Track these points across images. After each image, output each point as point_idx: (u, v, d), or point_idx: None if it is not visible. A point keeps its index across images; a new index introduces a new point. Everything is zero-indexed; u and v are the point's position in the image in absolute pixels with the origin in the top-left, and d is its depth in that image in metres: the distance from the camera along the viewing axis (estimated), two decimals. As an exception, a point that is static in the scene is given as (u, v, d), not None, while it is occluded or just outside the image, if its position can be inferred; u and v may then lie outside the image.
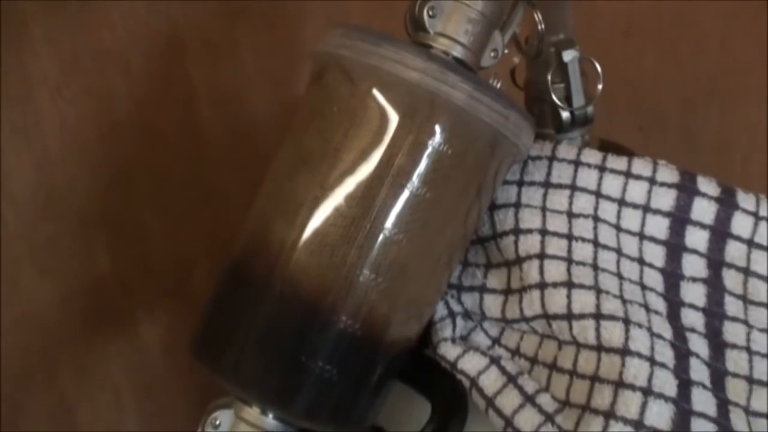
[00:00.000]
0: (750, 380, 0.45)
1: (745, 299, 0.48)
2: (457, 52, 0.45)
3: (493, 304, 0.49)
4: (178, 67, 0.77)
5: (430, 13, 0.45)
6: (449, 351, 0.47)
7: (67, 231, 0.72)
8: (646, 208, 0.49)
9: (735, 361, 0.46)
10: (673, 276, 0.48)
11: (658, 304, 0.47)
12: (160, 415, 0.80)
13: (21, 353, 0.70)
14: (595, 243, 0.47)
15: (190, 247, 0.79)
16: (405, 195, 0.42)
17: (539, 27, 0.50)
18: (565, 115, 0.54)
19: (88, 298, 0.74)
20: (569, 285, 0.45)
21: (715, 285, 0.48)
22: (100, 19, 0.71)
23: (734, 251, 0.48)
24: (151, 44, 0.74)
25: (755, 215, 0.48)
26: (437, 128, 0.42)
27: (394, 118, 0.42)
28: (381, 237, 0.42)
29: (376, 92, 0.42)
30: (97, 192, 0.73)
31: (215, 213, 0.80)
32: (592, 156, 0.50)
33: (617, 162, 0.50)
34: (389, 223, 0.42)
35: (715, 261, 0.48)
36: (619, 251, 0.48)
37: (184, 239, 0.79)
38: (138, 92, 0.74)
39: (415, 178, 0.42)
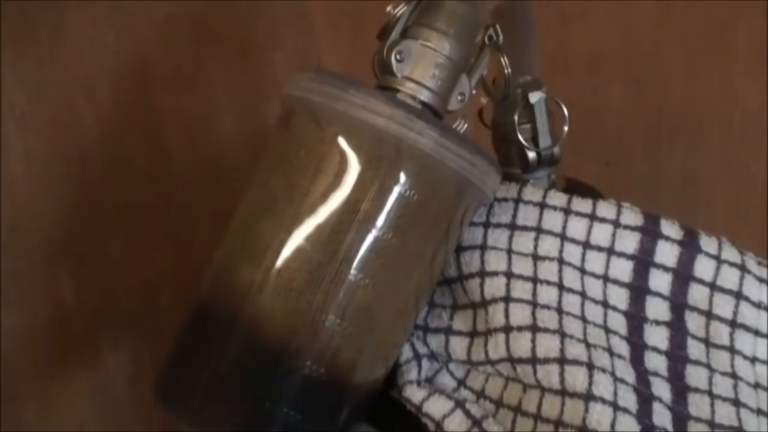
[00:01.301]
0: (712, 425, 0.45)
1: (707, 342, 0.48)
2: (424, 96, 0.45)
3: (458, 346, 0.49)
4: (146, 96, 0.77)
5: (398, 57, 0.45)
6: (414, 394, 0.47)
7: (31, 261, 0.71)
8: (611, 251, 0.49)
9: (697, 405, 0.46)
10: (636, 319, 0.48)
11: (622, 347, 0.47)
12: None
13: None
14: (560, 286, 0.48)
15: (156, 276, 0.79)
16: (371, 240, 0.42)
17: (506, 70, 0.50)
18: (531, 155, 0.55)
19: (52, 329, 0.73)
20: (534, 329, 0.46)
21: (677, 328, 0.48)
22: (68, 47, 0.70)
23: (697, 294, 0.49)
24: (119, 73, 0.74)
25: (717, 259, 0.49)
26: (403, 174, 0.42)
27: (360, 163, 0.42)
28: (347, 282, 0.42)
29: (342, 138, 0.42)
30: (62, 221, 0.72)
31: (182, 241, 0.80)
32: (557, 198, 0.50)
33: (582, 204, 0.50)
34: (355, 267, 0.42)
35: (678, 304, 0.49)
36: (583, 294, 0.48)
37: (150, 268, 0.78)
38: (105, 121, 0.74)
39: (381, 224, 0.42)
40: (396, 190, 0.42)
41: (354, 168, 0.42)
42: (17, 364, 0.71)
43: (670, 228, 0.49)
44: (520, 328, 0.46)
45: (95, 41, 0.72)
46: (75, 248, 0.73)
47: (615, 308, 0.48)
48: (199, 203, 0.80)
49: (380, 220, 0.42)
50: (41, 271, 0.71)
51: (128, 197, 0.76)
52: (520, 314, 0.46)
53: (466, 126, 0.49)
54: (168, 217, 0.79)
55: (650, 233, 0.49)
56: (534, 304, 0.47)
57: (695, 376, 0.47)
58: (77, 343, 0.75)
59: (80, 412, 0.76)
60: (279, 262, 0.42)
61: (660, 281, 0.49)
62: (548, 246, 0.49)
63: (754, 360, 0.48)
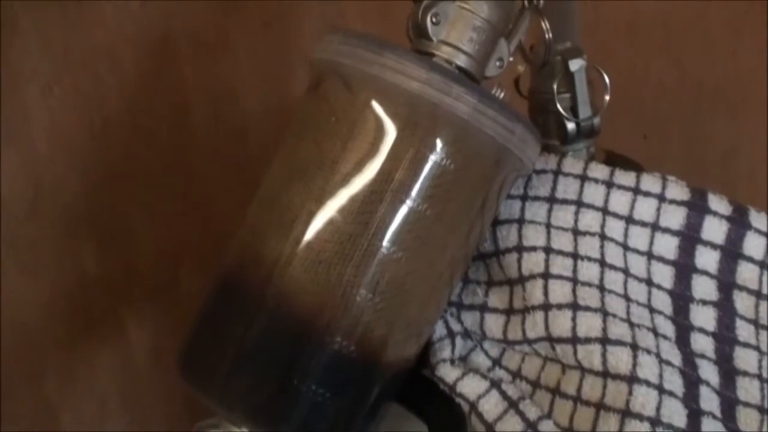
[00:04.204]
0: (762, 410, 0.43)
1: (757, 324, 0.46)
2: (461, 61, 0.43)
3: (494, 324, 0.47)
4: (170, 66, 0.75)
5: (434, 20, 0.43)
6: (448, 373, 0.46)
7: (52, 232, 0.70)
8: (655, 227, 0.47)
9: (746, 389, 0.44)
10: (682, 298, 0.46)
11: (667, 327, 0.45)
12: (147, 420, 0.78)
13: (2, 358, 0.68)
14: (602, 262, 0.45)
15: (179, 248, 0.77)
16: (404, 211, 0.40)
17: (547, 35, 0.48)
18: (570, 126, 0.52)
19: (73, 301, 0.72)
20: (574, 307, 0.44)
21: (725, 308, 0.46)
22: (92, 16, 0.69)
23: (746, 273, 0.46)
24: (143, 42, 0.72)
25: (768, 236, 0.47)
26: (439, 142, 0.40)
27: (394, 130, 0.40)
28: (379, 255, 0.40)
29: (375, 103, 0.40)
30: (84, 192, 0.71)
31: (205, 214, 0.78)
32: (599, 171, 0.48)
33: (625, 177, 0.48)
34: (388, 240, 0.40)
35: (726, 283, 0.46)
36: (626, 271, 0.46)
37: (172, 240, 0.77)
38: (129, 91, 0.72)
39: (416, 194, 0.40)
40: (431, 159, 0.40)
41: (387, 135, 0.40)
42: (37, 336, 0.70)
43: (718, 203, 0.47)
44: (560, 306, 0.44)
45: (119, 9, 0.70)
46: (97, 219, 0.72)
47: (659, 287, 0.46)
48: (222, 175, 0.79)
49: (415, 191, 0.40)
50: (62, 241, 0.70)
51: (151, 168, 0.74)
52: (559, 291, 0.44)
53: (503, 95, 0.47)
54: (191, 188, 0.77)
55: (697, 208, 0.47)
56: (574, 280, 0.45)
57: (744, 359, 0.45)
58: (98, 315, 0.74)
59: (101, 386, 0.75)
60: (308, 233, 0.40)
61: (707, 259, 0.46)
62: (589, 220, 0.47)
63: (805, 342, 0.46)
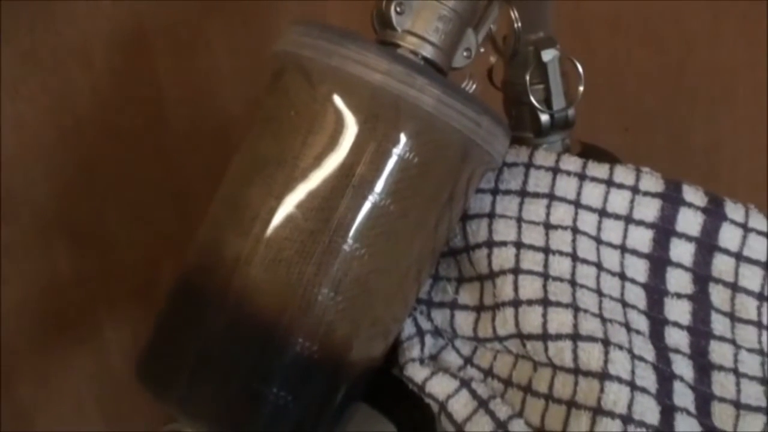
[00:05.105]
0: (737, 405, 0.42)
1: (732, 317, 0.45)
2: (427, 51, 0.42)
3: (464, 321, 0.46)
4: (144, 64, 0.74)
5: (398, 9, 0.42)
6: (417, 372, 0.44)
7: (24, 234, 0.68)
8: (629, 219, 0.46)
9: (722, 384, 0.43)
10: (656, 292, 0.45)
11: (640, 322, 0.44)
12: (124, 423, 0.77)
13: (-25, 363, 0.67)
14: (574, 257, 0.44)
15: (157, 249, 0.76)
16: (367, 207, 0.39)
17: (516, 25, 0.47)
18: (544, 118, 0.51)
19: (47, 304, 0.71)
20: (545, 303, 0.42)
21: (701, 301, 0.45)
22: (62, 13, 0.67)
23: (722, 265, 0.45)
24: (116, 40, 0.71)
25: (744, 227, 0.46)
26: (402, 135, 0.39)
27: (355, 123, 0.39)
28: (341, 252, 0.39)
29: (336, 96, 0.39)
30: (56, 193, 0.70)
31: (184, 212, 0.77)
32: (571, 163, 0.47)
33: (598, 169, 0.47)
34: (350, 237, 0.39)
35: (702, 275, 0.45)
36: (599, 265, 0.45)
37: (150, 241, 0.76)
38: (101, 89, 0.71)
39: (379, 189, 0.39)
40: (395, 153, 0.39)
41: (349, 129, 0.39)
42: (11, 341, 0.69)
43: (693, 194, 0.46)
44: (530, 302, 0.43)
45: (90, 6, 0.69)
46: (71, 220, 0.71)
47: (633, 280, 0.45)
48: (200, 174, 0.78)
49: (377, 186, 0.39)
50: (35, 244, 0.69)
51: (126, 168, 0.73)
52: (530, 287, 0.43)
53: (474, 86, 0.46)
54: (168, 188, 0.76)
55: (672, 200, 0.46)
56: (545, 276, 0.43)
57: (719, 352, 0.44)
58: (74, 317, 0.73)
59: (77, 389, 0.74)
60: (268, 231, 0.39)
61: (682, 251, 0.45)
62: (561, 214, 0.45)
63: (783, 335, 0.45)
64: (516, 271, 0.44)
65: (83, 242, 0.72)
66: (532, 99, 0.51)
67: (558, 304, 0.42)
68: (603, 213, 0.46)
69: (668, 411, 0.40)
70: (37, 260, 0.69)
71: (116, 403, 0.76)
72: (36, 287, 0.70)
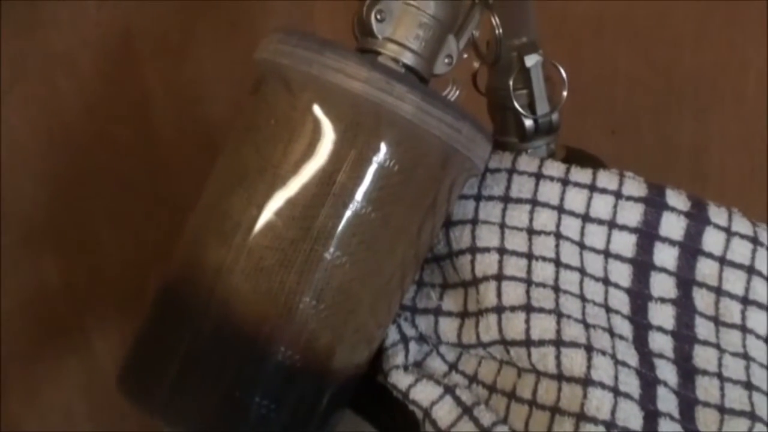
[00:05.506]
0: (722, 410, 0.42)
1: (717, 321, 0.45)
2: (407, 58, 0.42)
3: (448, 328, 0.46)
4: (132, 70, 0.73)
5: (378, 17, 0.42)
6: (401, 379, 0.44)
7: (12, 244, 0.68)
8: (612, 224, 0.46)
9: (706, 388, 0.43)
10: (640, 297, 0.45)
11: (624, 327, 0.44)
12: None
13: (-38, 373, 0.67)
14: (557, 262, 0.44)
15: (145, 257, 0.76)
16: (348, 215, 0.39)
17: (497, 31, 0.47)
18: (528, 123, 0.51)
19: (35, 312, 0.70)
20: (528, 309, 0.42)
21: (685, 306, 0.45)
22: (47, 19, 0.67)
23: (705, 269, 0.45)
24: (102, 45, 0.71)
25: (727, 231, 0.46)
26: (383, 143, 0.39)
27: (335, 132, 0.38)
28: (322, 260, 0.39)
29: (316, 104, 0.39)
30: (45, 201, 0.70)
31: (173, 219, 0.77)
32: (554, 168, 0.47)
33: (581, 175, 0.47)
34: (331, 245, 0.39)
35: (685, 280, 0.45)
36: (582, 271, 0.45)
37: (138, 248, 0.75)
38: (89, 96, 0.71)
39: (359, 197, 0.39)
40: (375, 161, 0.39)
41: (328, 137, 0.38)
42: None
43: (676, 198, 0.46)
44: (513, 308, 0.43)
45: (75, 10, 0.69)
46: (58, 229, 0.71)
47: (617, 285, 0.45)
48: (188, 181, 0.77)
49: (358, 194, 0.39)
50: (23, 252, 0.69)
51: (114, 175, 0.73)
52: (513, 293, 0.43)
53: (458, 92, 0.46)
54: (156, 195, 0.76)
55: (655, 204, 0.46)
56: (528, 282, 0.43)
57: (703, 357, 0.44)
58: (62, 326, 0.73)
59: (66, 398, 0.73)
60: (249, 239, 0.39)
61: (665, 256, 0.45)
62: (544, 219, 0.45)
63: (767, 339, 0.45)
64: (499, 277, 0.44)
65: (71, 250, 0.72)
66: (516, 104, 0.51)
67: (541, 310, 0.42)
68: (586, 218, 0.46)
69: (652, 416, 0.40)
70: (25, 270, 0.69)
71: (106, 413, 0.76)
72: (24, 297, 0.69)
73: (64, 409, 0.73)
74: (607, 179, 0.46)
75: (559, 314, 0.42)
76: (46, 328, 0.71)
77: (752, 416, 0.42)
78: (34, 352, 0.71)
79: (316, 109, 0.39)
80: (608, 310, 0.44)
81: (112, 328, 0.75)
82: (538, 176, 0.47)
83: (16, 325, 0.69)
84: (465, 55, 0.47)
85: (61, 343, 0.73)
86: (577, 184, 0.46)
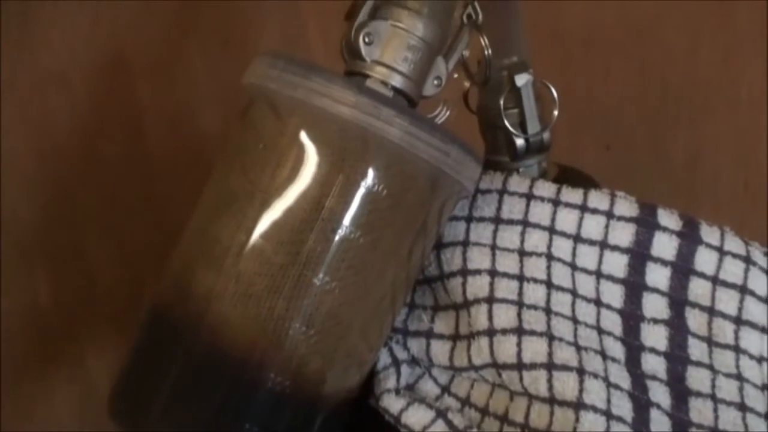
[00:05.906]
0: (715, 432, 0.42)
1: (710, 341, 0.45)
2: (396, 81, 0.42)
3: (440, 350, 0.46)
4: (124, 87, 0.73)
5: (366, 39, 0.42)
6: (392, 403, 0.44)
7: (5, 261, 0.68)
8: (604, 245, 0.45)
9: (699, 410, 0.43)
10: (632, 317, 0.45)
11: (616, 349, 0.44)
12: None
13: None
14: (548, 284, 0.44)
15: (138, 274, 0.75)
16: (336, 240, 0.38)
17: (486, 51, 0.47)
18: (519, 142, 0.51)
19: (28, 331, 0.70)
20: (519, 332, 0.42)
21: (677, 326, 0.45)
22: (38, 36, 0.67)
23: (698, 289, 0.45)
24: (93, 63, 0.71)
25: (720, 250, 0.45)
26: (371, 168, 0.38)
27: (323, 157, 0.38)
28: (311, 286, 0.38)
29: (304, 129, 0.38)
30: (37, 220, 0.69)
31: (165, 239, 0.76)
32: (545, 189, 0.47)
33: (572, 195, 0.46)
34: (320, 271, 0.38)
35: (678, 300, 0.45)
36: (574, 292, 0.45)
37: (131, 265, 0.75)
38: (81, 115, 0.71)
39: (348, 222, 0.38)
40: (363, 185, 0.39)
41: (316, 162, 0.38)
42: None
43: (667, 218, 0.46)
44: (504, 331, 0.42)
45: (67, 28, 0.69)
46: (51, 247, 0.71)
47: (609, 306, 0.45)
48: (181, 199, 0.77)
49: (347, 219, 0.38)
50: (15, 270, 0.69)
51: (106, 193, 0.73)
52: (504, 316, 0.43)
53: (448, 113, 0.45)
54: (149, 213, 0.76)
55: (646, 224, 0.45)
56: (520, 304, 0.43)
57: (697, 378, 0.44)
58: (56, 344, 0.73)
59: (60, 416, 0.73)
60: (238, 265, 0.39)
61: (658, 276, 0.45)
62: (535, 240, 0.45)
63: (761, 360, 0.45)
64: (490, 300, 0.43)
65: (64, 268, 0.71)
66: (507, 123, 0.51)
67: (532, 332, 0.42)
68: (578, 239, 0.46)
69: (644, 439, 0.40)
70: (18, 286, 0.69)
71: (98, 429, 0.76)
72: (16, 314, 0.69)
73: (57, 426, 0.73)
74: (598, 199, 0.46)
75: (550, 337, 0.42)
76: (38, 345, 0.71)
77: (746, 438, 0.42)
78: (26, 369, 0.71)
79: (304, 135, 0.39)
80: (600, 331, 0.44)
81: (106, 344, 0.75)
82: (529, 197, 0.46)
83: (9, 344, 0.69)
84: (455, 75, 0.47)
85: (54, 361, 0.73)
86: (568, 205, 0.46)
